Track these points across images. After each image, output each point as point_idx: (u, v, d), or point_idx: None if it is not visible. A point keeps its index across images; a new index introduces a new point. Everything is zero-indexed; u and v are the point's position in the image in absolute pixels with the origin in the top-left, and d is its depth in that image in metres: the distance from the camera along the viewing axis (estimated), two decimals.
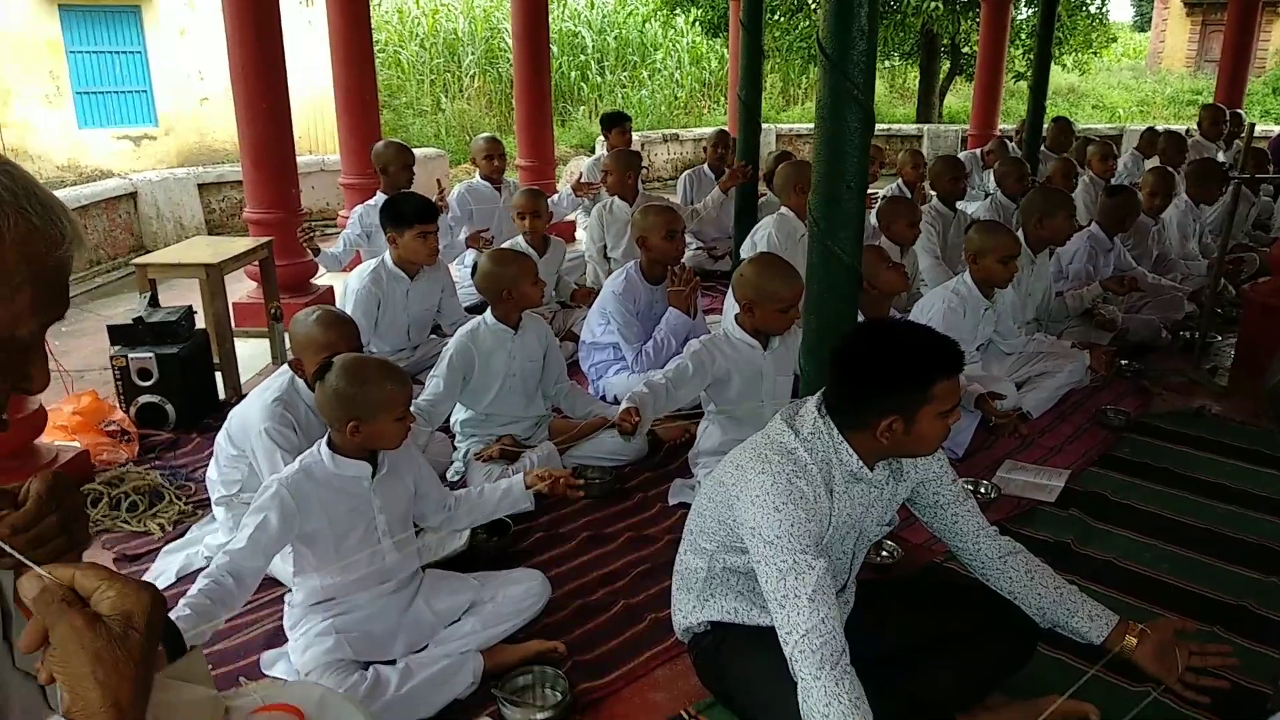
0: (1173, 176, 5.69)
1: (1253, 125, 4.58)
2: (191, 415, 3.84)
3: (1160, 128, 8.63)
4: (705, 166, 6.81)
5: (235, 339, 4.30)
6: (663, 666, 2.34)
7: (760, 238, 4.49)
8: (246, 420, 2.70)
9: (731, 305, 3.42)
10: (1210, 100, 10.41)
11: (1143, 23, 30.89)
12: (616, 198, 5.45)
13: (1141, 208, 5.21)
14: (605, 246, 5.47)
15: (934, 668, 2.08)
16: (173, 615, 1.94)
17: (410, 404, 2.24)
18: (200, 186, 7.81)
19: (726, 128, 9.52)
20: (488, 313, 3.37)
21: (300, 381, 2.69)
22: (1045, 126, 7.47)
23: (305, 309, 2.74)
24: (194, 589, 2.01)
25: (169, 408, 3.80)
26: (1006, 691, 2.11)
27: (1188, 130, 8.65)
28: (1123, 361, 4.46)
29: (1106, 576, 2.74)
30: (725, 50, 14.63)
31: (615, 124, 6.98)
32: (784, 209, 4.41)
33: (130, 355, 3.75)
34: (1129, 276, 4.77)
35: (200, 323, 4.18)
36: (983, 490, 3.26)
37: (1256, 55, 13.66)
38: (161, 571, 2.78)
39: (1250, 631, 2.44)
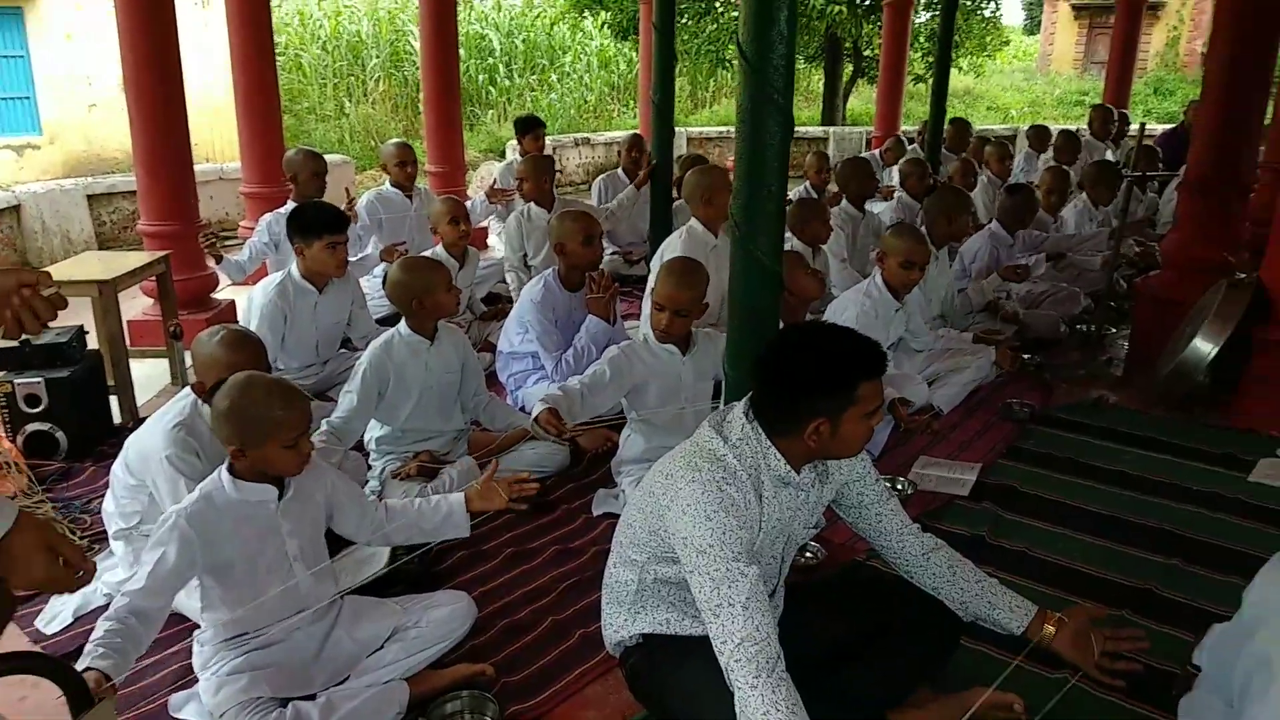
0: (1068, 175, 5.93)
1: (1144, 125, 4.80)
2: (85, 443, 3.64)
3: (1054, 127, 9.01)
4: (620, 171, 6.80)
5: (131, 360, 4.09)
6: (594, 683, 2.31)
7: (669, 252, 4.38)
8: (145, 448, 2.55)
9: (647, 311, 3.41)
10: (1098, 100, 10.90)
11: (1033, 26, 32.13)
12: (533, 204, 5.39)
13: (1039, 206, 5.42)
14: (525, 255, 5.41)
15: (862, 666, 2.11)
16: (86, 662, 1.83)
17: (306, 430, 2.10)
18: (90, 198, 7.44)
19: (639, 131, 9.55)
20: (402, 324, 3.28)
21: (204, 405, 2.57)
22: (945, 128, 7.70)
23: (208, 329, 2.61)
24: (98, 633, 1.89)
25: (60, 435, 3.59)
26: (933, 686, 2.15)
27: (1078, 130, 9.03)
28: (1025, 356, 4.62)
29: (1021, 567, 2.82)
30: (634, 53, 14.67)
31: (529, 129, 6.90)
32: (693, 221, 4.36)
33: (16, 380, 3.53)
34: (1023, 265, 5.02)
35: (93, 343, 3.97)
36: (899, 487, 3.32)
37: (1140, 56, 14.34)
38: (57, 614, 2.62)
39: (1157, 614, 2.55)
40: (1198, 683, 1.83)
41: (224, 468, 2.13)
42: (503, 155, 11.12)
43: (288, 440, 2.06)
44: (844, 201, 5.58)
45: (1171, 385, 4.01)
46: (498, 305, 5.29)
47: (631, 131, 7.45)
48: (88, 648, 1.86)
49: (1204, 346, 3.82)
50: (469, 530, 2.42)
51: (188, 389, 2.65)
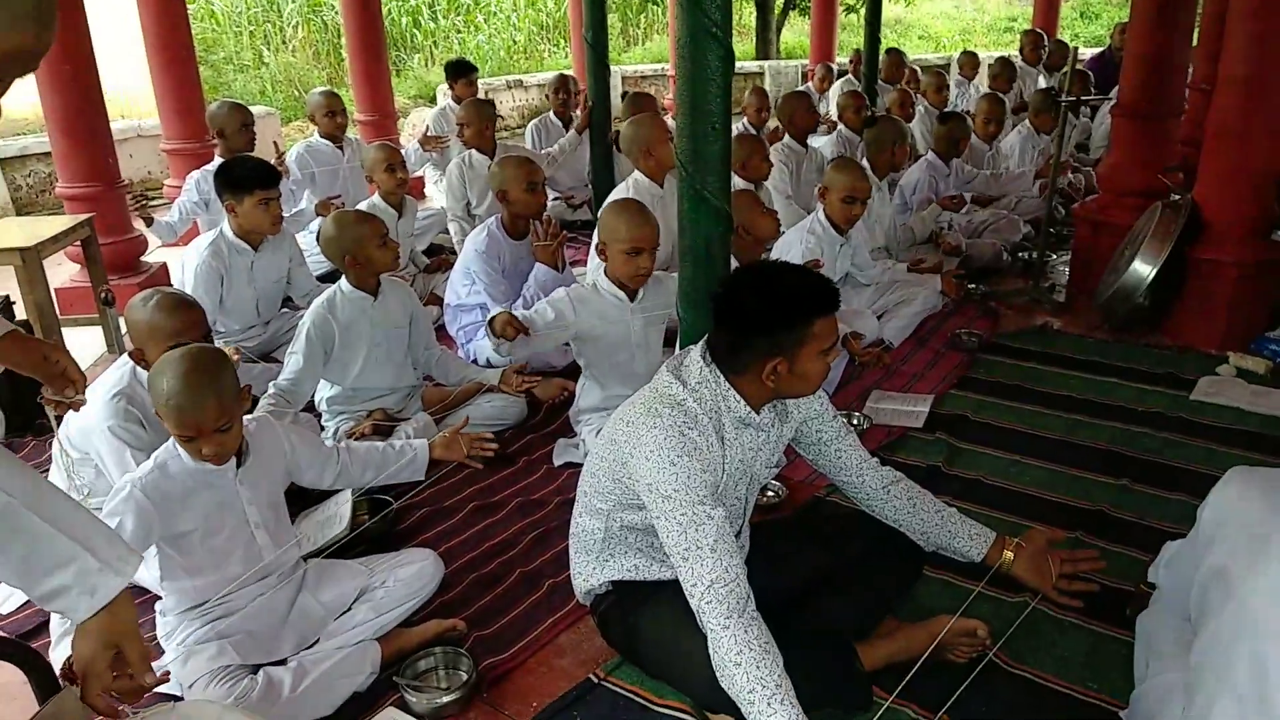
0: (1003, 102, 5.96)
1: (1076, 49, 4.82)
2: (22, 417, 3.50)
3: (985, 55, 9.05)
4: (551, 114, 6.67)
5: (63, 329, 3.93)
6: (566, 632, 2.32)
7: None
8: (86, 421, 2.47)
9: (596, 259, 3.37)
10: (1027, 26, 10.95)
11: None
12: (474, 150, 5.25)
13: (971, 131, 5.47)
14: (469, 204, 5.29)
15: (829, 600, 2.15)
16: (62, 647, 1.77)
17: (228, 421, 1.97)
18: (1, 162, 7.07)
19: (570, 71, 9.35)
20: (343, 280, 3.20)
21: (142, 372, 2.48)
22: (879, 58, 7.67)
23: (142, 293, 2.51)
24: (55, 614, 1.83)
25: (52, 415, 3.44)
26: (899, 616, 2.20)
27: (1009, 56, 9.08)
28: (970, 285, 4.68)
29: (977, 494, 2.88)
30: None
31: (462, 74, 6.71)
32: (636, 173, 4.29)
33: None
34: (960, 195, 5.11)
35: (21, 313, 3.80)
36: (855, 421, 3.36)
37: None
38: (11, 593, 2.53)
39: (1109, 534, 2.63)
40: (1154, 599, 1.89)
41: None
42: (433, 101, 10.81)
43: (188, 435, 1.96)
44: (786, 137, 5.55)
45: (1113, 308, 4.10)
46: (440, 257, 5.18)
47: (557, 72, 7.27)
48: (56, 628, 1.80)
49: (1142, 268, 3.91)
50: (423, 474, 2.50)
51: (124, 357, 2.55)
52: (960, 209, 5.17)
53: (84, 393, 1.72)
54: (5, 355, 1.66)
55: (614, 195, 4.28)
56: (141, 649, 1.43)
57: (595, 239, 3.13)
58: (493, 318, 2.95)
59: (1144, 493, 2.86)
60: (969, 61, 8.85)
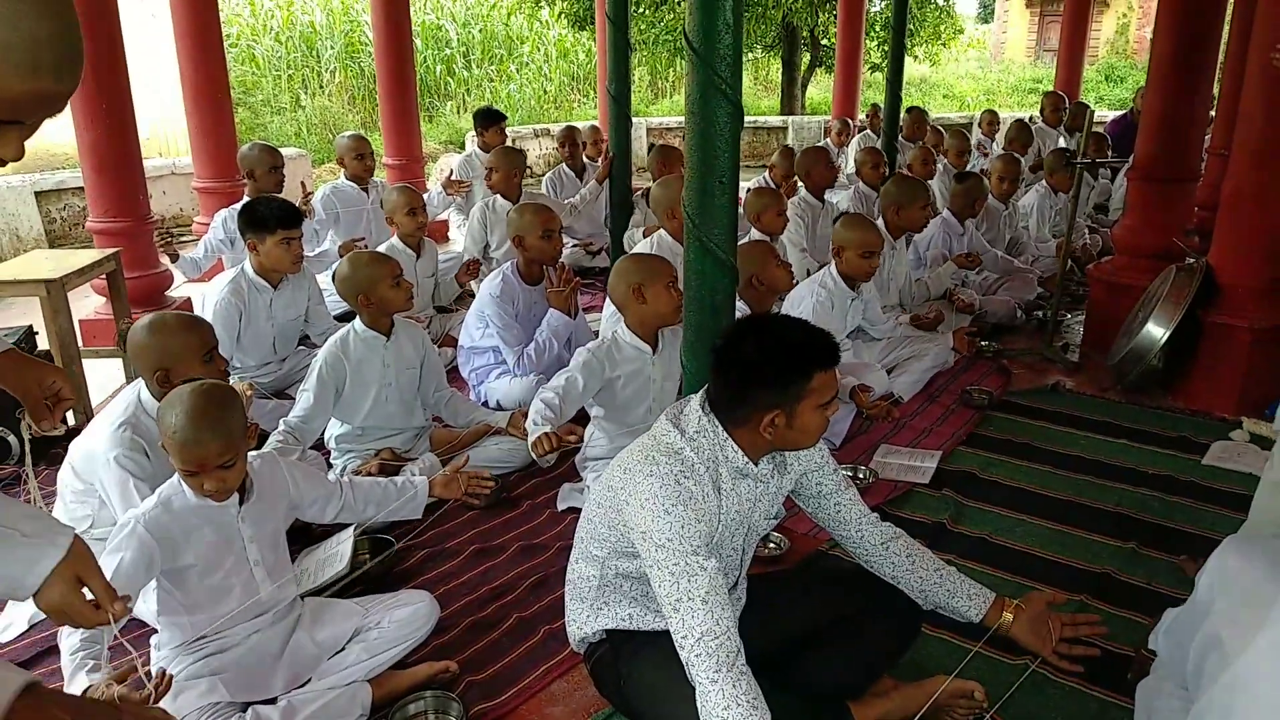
0: (1019, 162, 6.00)
1: (1093, 111, 4.86)
2: (37, 446, 3.55)
3: (1006, 115, 9.14)
4: (564, 165, 6.81)
5: (84, 360, 4.00)
6: (559, 680, 2.30)
7: None
8: (91, 450, 2.49)
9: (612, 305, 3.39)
10: (1050, 88, 11.05)
11: (986, 15, 32.49)
12: (499, 196, 5.35)
13: (989, 192, 5.50)
14: (487, 247, 5.37)
15: (824, 656, 2.13)
16: (80, 678, 1.78)
17: (232, 458, 1.99)
18: (37, 194, 7.26)
19: (593, 122, 9.53)
20: (357, 320, 3.25)
21: (149, 399, 2.52)
22: (901, 116, 7.76)
23: (140, 322, 2.55)
24: (70, 647, 1.83)
25: (11, 439, 3.49)
26: (895, 675, 2.17)
27: (1030, 117, 9.16)
28: (983, 342, 4.68)
29: (981, 553, 2.85)
30: (593, 43, 14.60)
31: (491, 122, 6.83)
32: (662, 231, 4.36)
33: None
34: (975, 254, 5.11)
35: (43, 343, 3.88)
36: (861, 475, 3.35)
37: (1089, 44, 14.55)
38: (10, 622, 2.55)
39: (1115, 598, 2.59)
40: (1154, 667, 1.86)
41: None
42: (463, 147, 11.01)
43: (190, 469, 1.99)
44: (802, 190, 5.60)
45: (1125, 369, 4.08)
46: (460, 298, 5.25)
47: (564, 125, 7.44)
48: (68, 663, 1.81)
49: (1156, 331, 3.89)
50: (420, 512, 2.55)
51: (129, 386, 2.59)
52: (975, 268, 5.19)
53: (57, 416, 1.72)
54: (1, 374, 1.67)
55: (638, 250, 4.35)
56: (103, 582, 1.45)
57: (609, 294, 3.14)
58: (534, 443, 2.78)
59: (1152, 557, 2.82)
60: (989, 120, 8.93)
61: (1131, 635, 2.37)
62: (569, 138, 6.80)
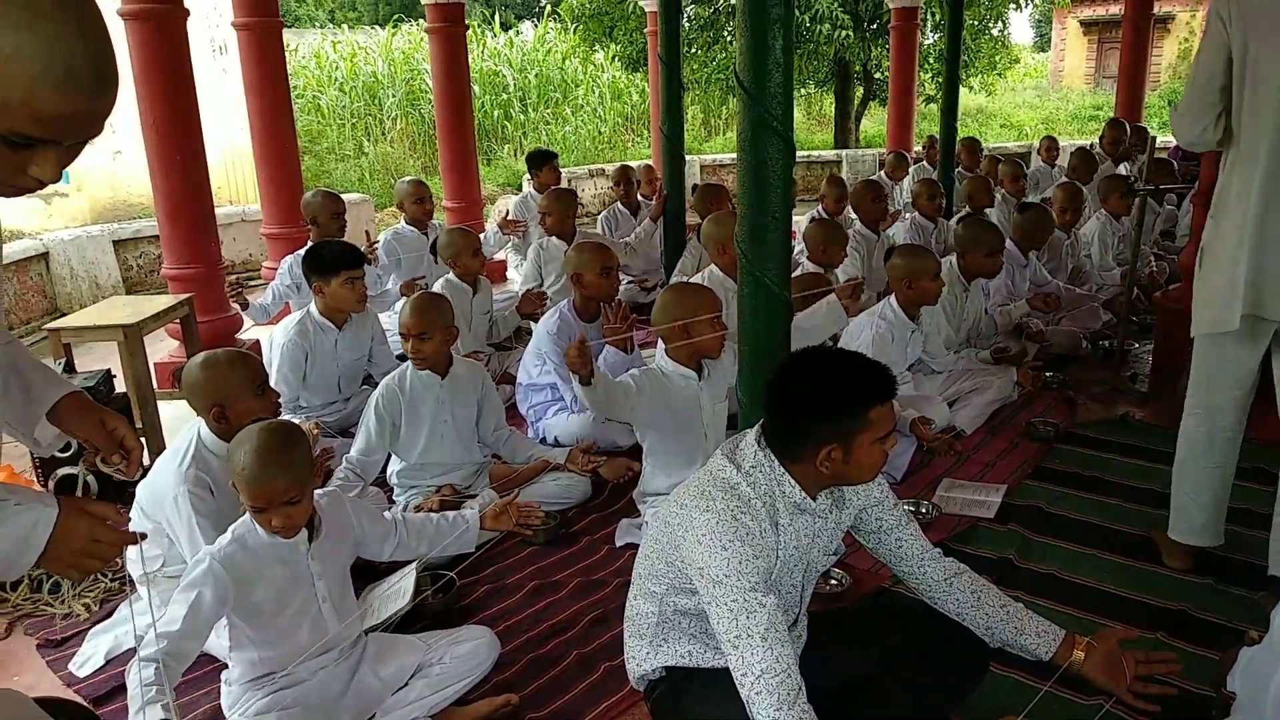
0: (1081, 191, 5.90)
1: (1154, 138, 4.78)
2: (115, 486, 3.67)
3: (1066, 143, 9.00)
4: (619, 204, 6.88)
5: (159, 401, 4.14)
6: (620, 716, 2.30)
7: None
8: (158, 490, 2.56)
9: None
10: (1111, 114, 10.88)
11: (1043, 43, 32.19)
12: (554, 237, 5.43)
13: (1054, 224, 5.38)
14: (541, 284, 5.45)
15: (888, 695, 2.08)
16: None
17: (298, 495, 2.07)
18: (116, 243, 7.57)
19: (647, 161, 9.64)
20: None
21: (209, 435, 2.59)
22: (956, 147, 7.70)
23: (195, 360, 2.64)
24: (142, 680, 1.87)
25: (90, 479, 3.63)
26: (963, 714, 2.12)
27: (1091, 145, 9.01)
28: (1047, 374, 4.58)
29: (1050, 590, 2.78)
30: (646, 84, 14.79)
31: (545, 162, 6.95)
32: (713, 266, 4.37)
33: None
34: (1051, 295, 4.98)
35: (120, 386, 4.03)
36: (924, 510, 3.30)
37: (1151, 70, 14.32)
38: (90, 656, 2.64)
39: (1191, 635, 2.50)
40: (1234, 708, 1.79)
41: None
42: (519, 189, 11.21)
43: (259, 505, 2.06)
44: (857, 224, 5.58)
45: None
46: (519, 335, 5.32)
47: (619, 164, 7.53)
48: (137, 696, 1.85)
49: None
50: (473, 545, 2.59)
51: (190, 425, 2.66)
52: (1051, 310, 5.05)
53: (134, 467, 1.80)
54: (64, 417, 1.73)
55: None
56: (105, 507, 1.46)
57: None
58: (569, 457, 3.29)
59: (1230, 593, 2.72)
60: (1049, 147, 8.80)
61: (1209, 674, 2.27)
62: (624, 176, 6.90)
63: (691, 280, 4.32)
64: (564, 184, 7.32)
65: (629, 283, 6.31)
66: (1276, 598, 2.42)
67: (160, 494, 2.55)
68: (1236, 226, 2.53)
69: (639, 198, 7.03)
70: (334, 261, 3.90)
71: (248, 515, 2.14)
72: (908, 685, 2.07)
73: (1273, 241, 2.49)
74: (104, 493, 3.64)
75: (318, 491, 2.27)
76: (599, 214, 7.36)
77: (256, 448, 2.01)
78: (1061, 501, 3.38)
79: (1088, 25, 25.67)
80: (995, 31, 16.15)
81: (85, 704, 2.06)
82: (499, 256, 7.17)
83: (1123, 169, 8.16)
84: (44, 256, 7.03)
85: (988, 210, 6.21)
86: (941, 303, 4.12)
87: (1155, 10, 11.48)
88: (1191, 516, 2.83)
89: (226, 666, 2.24)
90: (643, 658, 2.13)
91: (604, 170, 12.35)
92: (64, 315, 5.47)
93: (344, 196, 5.47)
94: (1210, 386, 2.81)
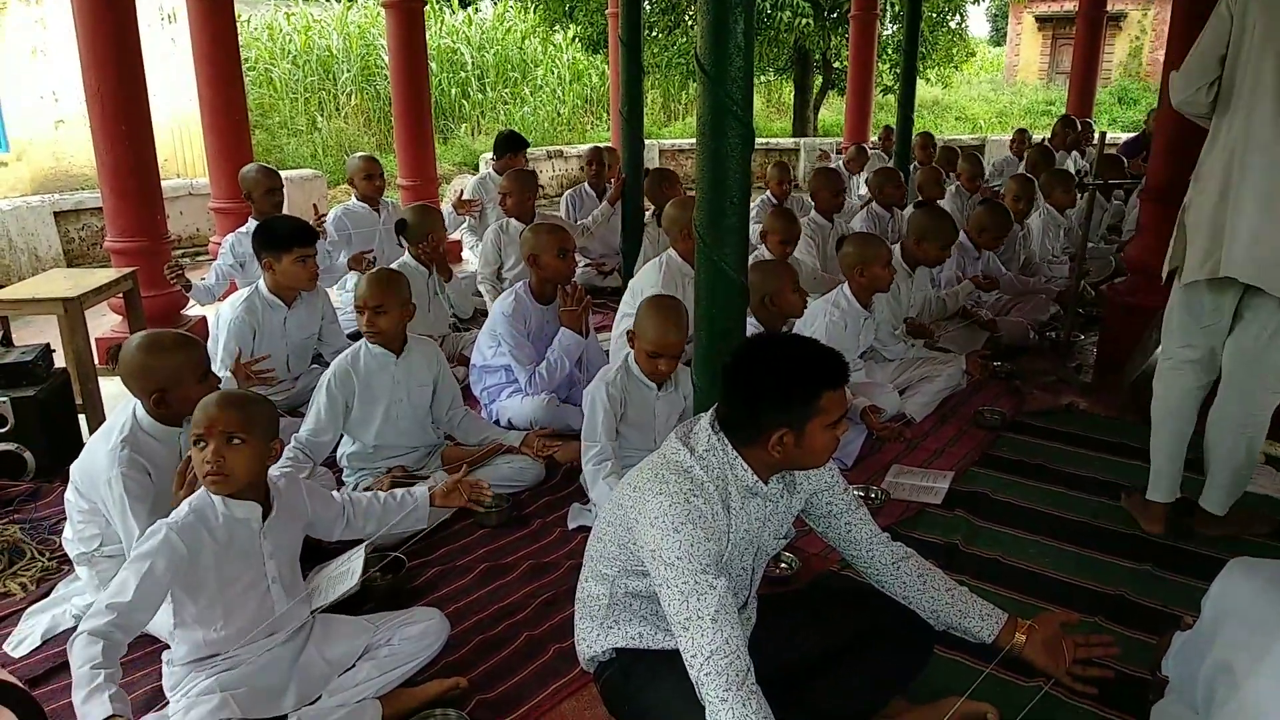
0: (1034, 183, 6.00)
1: (1104, 134, 4.86)
2: (53, 462, 3.58)
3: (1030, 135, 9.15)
4: (585, 185, 6.82)
5: (100, 378, 4.04)
6: (569, 699, 2.29)
7: (648, 282, 4.16)
8: (92, 470, 2.47)
9: (620, 326, 3.41)
10: (1063, 110, 11.07)
11: (999, 38, 32.58)
12: (513, 219, 5.38)
13: (1012, 224, 5.43)
14: (500, 268, 5.41)
15: (835, 677, 2.11)
16: (100, 703, 1.77)
17: (241, 439, 2.05)
18: (57, 215, 7.36)
19: (608, 144, 9.58)
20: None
21: (145, 417, 2.51)
22: (913, 139, 7.77)
23: (131, 341, 2.52)
24: (89, 657, 1.82)
25: (27, 455, 3.54)
26: (908, 696, 2.15)
27: (1043, 140, 9.16)
28: (995, 363, 4.66)
29: (994, 574, 2.84)
30: (606, 66, 14.71)
31: (516, 149, 6.76)
32: (671, 251, 4.35)
33: None
34: (993, 275, 5.12)
35: (60, 361, 3.92)
36: (873, 496, 3.34)
37: (1102, 66, 14.57)
38: (26, 635, 2.57)
39: (1129, 620, 2.57)
40: (1167, 690, 1.84)
41: None
42: (476, 169, 11.10)
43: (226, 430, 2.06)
44: (813, 211, 5.62)
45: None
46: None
47: (592, 145, 7.44)
48: (85, 675, 1.80)
49: None
50: (425, 522, 2.59)
51: (123, 405, 2.56)
52: (992, 290, 5.16)
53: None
54: None
55: (644, 274, 4.33)
56: None
57: (621, 313, 3.16)
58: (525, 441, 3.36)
59: (1167, 579, 2.79)
60: (1019, 139, 8.92)
61: (1146, 657, 2.34)
62: (595, 158, 6.74)
63: (648, 269, 4.32)
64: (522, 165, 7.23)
65: (586, 266, 6.29)
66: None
67: (94, 475, 2.46)
68: (1217, 184, 2.71)
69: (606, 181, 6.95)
70: (287, 238, 3.82)
71: (203, 490, 2.10)
72: (854, 667, 2.11)
73: (1244, 205, 2.65)
74: (39, 472, 3.55)
75: (274, 470, 2.24)
76: (560, 195, 7.27)
77: (226, 391, 2.11)
78: (1007, 489, 3.45)
79: (1043, 21, 26.07)
80: (953, 24, 16.34)
81: (20, 685, 2.00)
82: (454, 237, 7.09)
83: (1070, 164, 8.31)
84: None
85: (939, 201, 6.29)
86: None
87: (1108, 8, 11.68)
88: (1171, 475, 3.06)
89: (168, 647, 2.19)
90: (593, 640, 2.13)
91: (562, 152, 12.28)
92: (2, 287, 5.30)
93: (297, 172, 5.38)
94: (1183, 337, 3.01)
